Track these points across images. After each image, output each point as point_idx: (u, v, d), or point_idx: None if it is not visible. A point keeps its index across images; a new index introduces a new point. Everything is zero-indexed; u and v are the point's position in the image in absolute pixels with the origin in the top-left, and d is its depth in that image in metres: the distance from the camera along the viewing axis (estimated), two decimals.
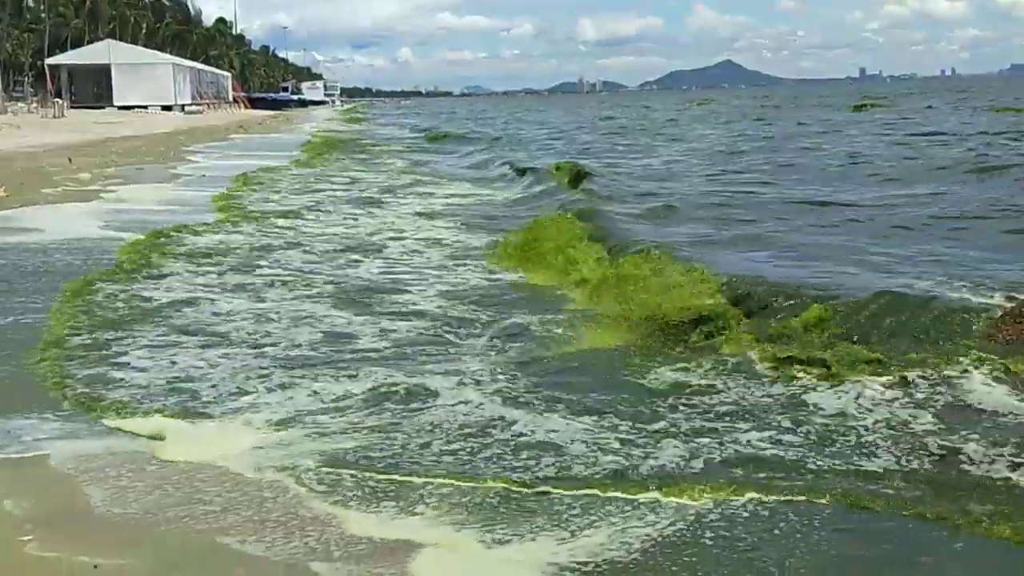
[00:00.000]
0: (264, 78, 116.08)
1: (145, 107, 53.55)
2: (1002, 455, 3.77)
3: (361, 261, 8.69)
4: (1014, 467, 3.68)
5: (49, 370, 4.98)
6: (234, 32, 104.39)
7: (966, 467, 3.69)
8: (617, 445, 3.95)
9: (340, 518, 3.29)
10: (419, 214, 12.37)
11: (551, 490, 3.49)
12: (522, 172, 17.51)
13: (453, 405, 4.47)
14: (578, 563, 2.98)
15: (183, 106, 59.08)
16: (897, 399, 4.44)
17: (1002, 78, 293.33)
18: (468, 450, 3.93)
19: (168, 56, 65.04)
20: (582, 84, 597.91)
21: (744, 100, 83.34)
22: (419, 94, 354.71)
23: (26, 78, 64.06)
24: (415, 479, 3.62)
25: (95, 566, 2.95)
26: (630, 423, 4.23)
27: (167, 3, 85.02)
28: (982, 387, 4.51)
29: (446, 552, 3.08)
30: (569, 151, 23.66)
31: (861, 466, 3.71)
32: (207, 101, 68.01)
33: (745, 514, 3.29)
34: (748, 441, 3.98)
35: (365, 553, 3.06)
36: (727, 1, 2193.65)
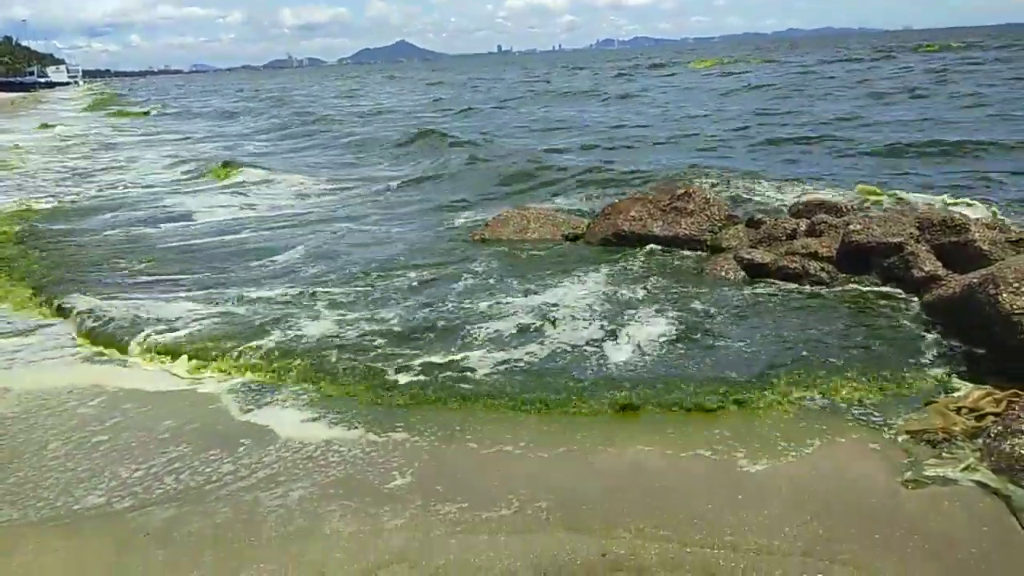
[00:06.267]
0: (10, 65, 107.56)
1: None
2: None
3: None
4: None
5: None
6: None
7: None
8: None
9: None
10: None
11: None
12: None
13: None
14: None
15: None
16: None
17: (592, 51, 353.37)
18: None
19: None
20: (291, 60, 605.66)
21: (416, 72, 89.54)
22: (152, 72, 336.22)
23: None
24: None
25: None
26: None
27: None
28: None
29: None
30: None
31: None
32: None
33: None
34: None
35: None
36: None
